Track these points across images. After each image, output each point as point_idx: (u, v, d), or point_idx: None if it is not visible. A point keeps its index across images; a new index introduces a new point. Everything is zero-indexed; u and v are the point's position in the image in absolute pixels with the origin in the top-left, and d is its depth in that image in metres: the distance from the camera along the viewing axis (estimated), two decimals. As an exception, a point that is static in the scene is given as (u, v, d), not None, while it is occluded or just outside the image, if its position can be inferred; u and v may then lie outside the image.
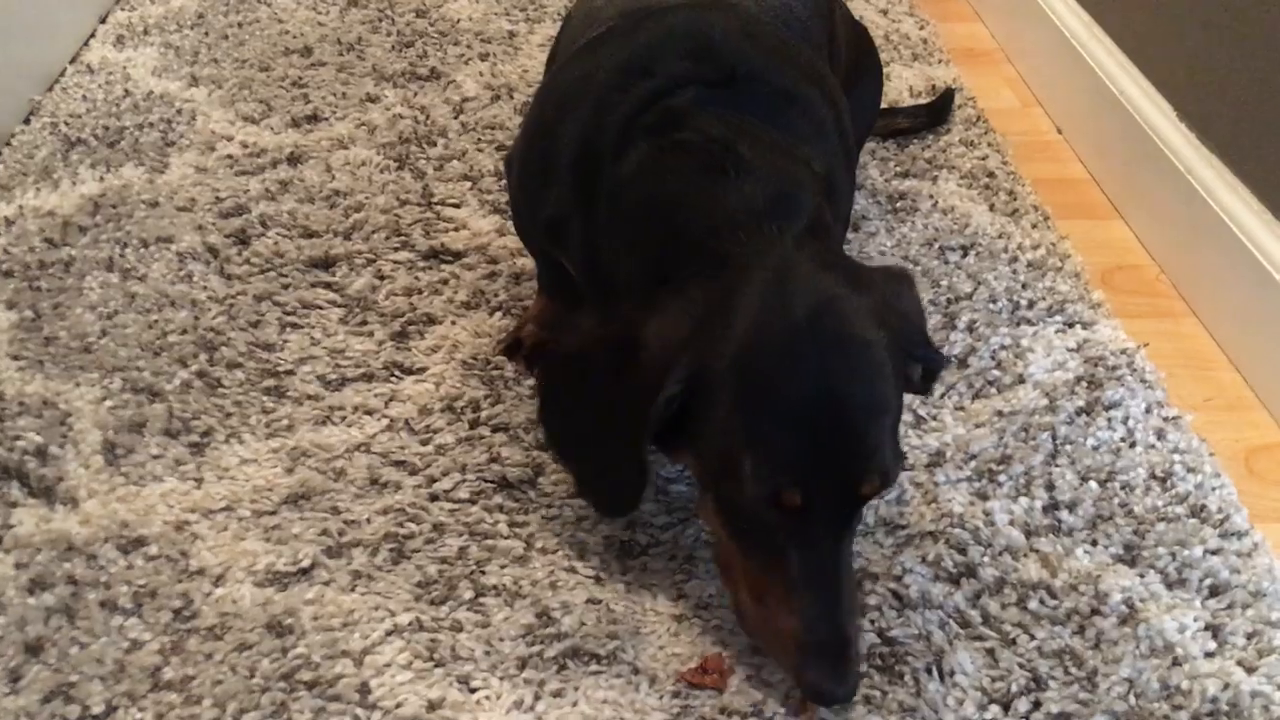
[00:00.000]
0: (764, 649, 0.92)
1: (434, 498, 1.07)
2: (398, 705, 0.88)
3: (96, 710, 0.87)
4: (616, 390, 0.90)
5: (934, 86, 1.79)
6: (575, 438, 0.97)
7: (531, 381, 1.20)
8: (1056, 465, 1.09)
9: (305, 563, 0.99)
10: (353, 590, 0.97)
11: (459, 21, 1.96)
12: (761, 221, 0.91)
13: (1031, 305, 1.31)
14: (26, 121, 1.62)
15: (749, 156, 0.95)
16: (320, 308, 1.29)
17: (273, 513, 1.04)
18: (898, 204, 1.50)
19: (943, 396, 1.18)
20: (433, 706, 0.88)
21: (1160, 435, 1.13)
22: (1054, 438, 1.12)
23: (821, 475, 0.83)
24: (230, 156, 1.55)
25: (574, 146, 1.02)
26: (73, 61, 1.78)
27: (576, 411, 0.96)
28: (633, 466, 0.90)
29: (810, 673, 0.85)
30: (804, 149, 1.00)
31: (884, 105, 1.64)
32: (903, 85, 1.79)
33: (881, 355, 0.86)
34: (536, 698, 0.90)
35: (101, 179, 1.49)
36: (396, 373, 1.21)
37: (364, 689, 0.89)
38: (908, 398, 1.17)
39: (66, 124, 1.60)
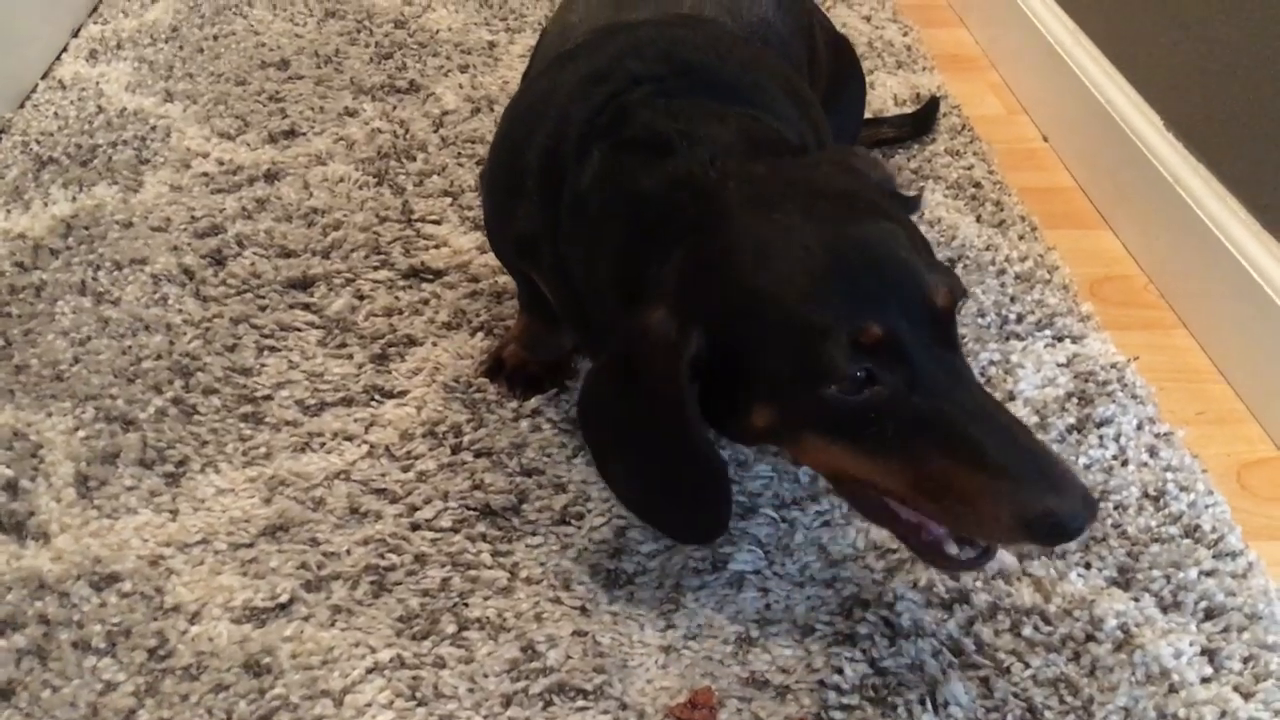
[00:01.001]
0: (969, 531, 0.80)
1: (415, 527, 1.05)
2: (379, 747, 0.86)
3: (69, 756, 0.85)
4: (643, 395, 0.85)
5: (918, 94, 1.77)
6: (641, 477, 0.92)
7: (514, 404, 1.18)
8: (1048, 485, 1.08)
9: (283, 598, 0.97)
10: (332, 626, 0.95)
11: (438, 32, 1.93)
12: (711, 168, 0.90)
13: (1020, 319, 1.29)
14: (-3, 140, 1.59)
15: (696, 127, 0.94)
16: (298, 329, 1.27)
17: (250, 545, 1.02)
18: (884, 216, 1.48)
19: (932, 415, 1.16)
20: (415, 747, 0.86)
21: (1152, 452, 1.12)
22: (1045, 457, 1.11)
23: (886, 299, 0.78)
24: (206, 174, 1.52)
25: (538, 159, 1.01)
26: (44, 77, 1.75)
27: (627, 450, 0.91)
28: (702, 464, 0.85)
29: (1046, 499, 0.72)
30: (768, 118, 0.99)
31: (868, 115, 1.63)
32: (887, 94, 1.78)
33: (873, 194, 0.86)
34: (522, 736, 0.88)
35: (74, 199, 1.46)
36: (377, 396, 1.19)
37: (344, 730, 0.87)
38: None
39: (38, 142, 1.57)
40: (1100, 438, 1.13)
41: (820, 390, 0.78)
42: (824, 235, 0.81)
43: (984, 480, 0.74)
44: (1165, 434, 1.14)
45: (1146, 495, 1.07)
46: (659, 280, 0.87)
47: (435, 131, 1.64)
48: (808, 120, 1.09)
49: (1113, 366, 1.23)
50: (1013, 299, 1.33)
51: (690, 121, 0.95)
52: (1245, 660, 0.93)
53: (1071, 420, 1.15)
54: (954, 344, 0.82)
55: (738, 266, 0.82)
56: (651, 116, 0.95)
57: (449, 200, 1.49)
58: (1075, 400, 1.18)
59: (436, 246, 1.41)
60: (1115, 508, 1.06)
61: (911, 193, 0.90)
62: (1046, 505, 0.72)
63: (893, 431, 0.78)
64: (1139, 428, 1.15)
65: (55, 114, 1.64)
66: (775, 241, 0.82)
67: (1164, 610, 0.97)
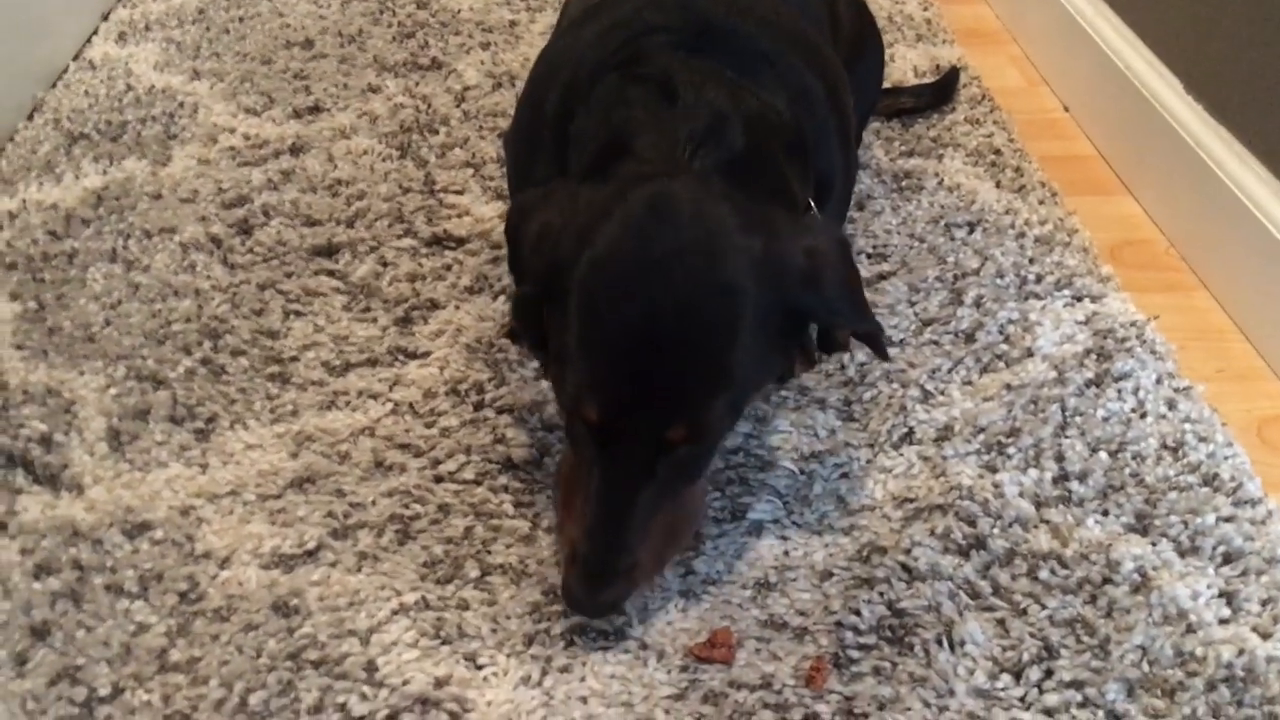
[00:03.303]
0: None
1: (439, 479, 1.06)
2: (404, 682, 0.87)
3: (103, 692, 0.87)
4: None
5: (938, 66, 1.78)
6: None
7: (535, 364, 1.19)
8: (1066, 437, 1.08)
9: (311, 545, 0.99)
10: (359, 571, 0.97)
11: (459, 12, 1.95)
12: (681, 143, 0.92)
13: (1039, 280, 1.30)
14: (30, 118, 1.62)
15: (700, 89, 0.96)
16: (324, 295, 1.29)
17: (278, 496, 1.04)
18: (903, 183, 1.49)
19: (950, 371, 1.17)
20: (439, 683, 0.88)
21: (1171, 405, 1.12)
22: (1063, 410, 1.11)
23: (624, 403, 0.84)
24: (232, 148, 1.55)
25: (555, 108, 1.03)
26: (75, 59, 1.78)
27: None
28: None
29: (568, 577, 0.88)
30: (769, 97, 1.00)
31: (888, 85, 1.63)
32: (907, 66, 1.78)
33: (737, 305, 0.84)
34: (544, 673, 0.89)
35: (104, 172, 1.49)
36: (400, 357, 1.21)
37: (370, 667, 0.89)
38: (916, 372, 1.16)
39: (69, 119, 1.60)
40: (1119, 391, 1.13)
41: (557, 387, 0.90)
42: (645, 314, 0.83)
43: (571, 535, 0.89)
44: (1184, 388, 1.15)
45: (1165, 446, 1.08)
46: (556, 191, 0.93)
47: (457, 106, 1.66)
48: (825, 84, 1.10)
49: (1132, 324, 1.23)
50: (1031, 260, 1.33)
51: (693, 77, 0.96)
52: (1264, 603, 0.93)
53: (1090, 375, 1.15)
54: (661, 468, 0.87)
55: (586, 263, 0.86)
56: (668, 62, 0.96)
57: (471, 171, 1.51)
58: (1094, 356, 1.18)
59: (459, 215, 1.42)
60: (1133, 458, 1.06)
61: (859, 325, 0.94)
62: (569, 583, 0.89)
63: (578, 454, 0.90)
64: (1158, 382, 1.15)
65: (86, 92, 1.67)
66: (614, 276, 0.85)
67: (1181, 555, 0.97)
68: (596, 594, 0.87)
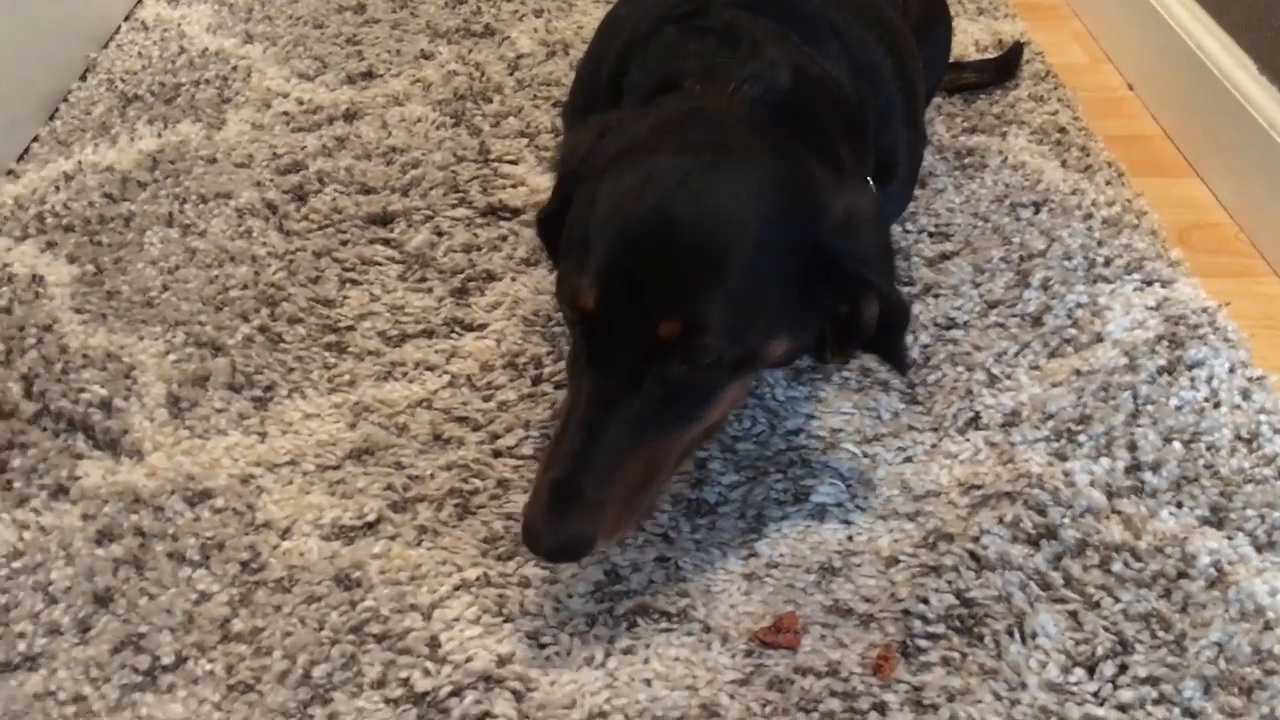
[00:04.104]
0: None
1: (497, 454, 1.05)
2: (468, 659, 0.87)
3: (166, 661, 0.87)
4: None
5: (1000, 41, 1.74)
6: None
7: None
8: (1138, 425, 1.06)
9: (371, 517, 0.98)
10: (419, 545, 0.96)
11: (512, -22, 1.92)
12: (734, 85, 0.92)
13: (1108, 263, 1.27)
14: (83, 78, 1.61)
15: (762, 44, 0.95)
16: (379, 264, 1.28)
17: (336, 467, 1.03)
18: (966, 160, 1.46)
19: (1017, 355, 1.15)
20: (503, 661, 0.87)
21: (1245, 395, 1.09)
22: (1135, 397, 1.09)
23: (616, 289, 0.82)
24: (286, 113, 1.54)
25: (611, 67, 1.02)
26: (127, 19, 1.77)
27: None
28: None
29: (530, 508, 0.83)
30: (832, 68, 0.99)
31: (950, 60, 1.60)
32: (968, 40, 1.74)
33: (750, 213, 0.83)
34: (607, 655, 0.88)
35: (159, 135, 1.48)
36: (457, 329, 1.20)
37: (433, 642, 0.88)
38: (981, 355, 1.14)
39: (123, 80, 1.59)
40: (1191, 380, 1.11)
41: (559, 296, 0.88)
42: (654, 208, 0.82)
43: (546, 457, 0.85)
44: (1258, 378, 1.12)
45: (1239, 437, 1.05)
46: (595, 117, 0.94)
47: (511, 74, 1.64)
48: (894, 60, 1.07)
49: (1203, 311, 1.20)
50: (1100, 243, 1.30)
51: (757, 33, 0.95)
52: (1343, 601, 0.91)
53: (1162, 362, 1.13)
54: (648, 374, 0.83)
55: (603, 165, 0.87)
56: (731, 17, 0.95)
57: (525, 141, 1.49)
58: (1165, 343, 1.15)
59: (514, 185, 1.41)
60: (1207, 448, 1.04)
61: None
62: (528, 514, 0.83)
63: (572, 371, 0.88)
64: (1231, 371, 1.12)
65: (139, 54, 1.66)
66: (628, 172, 0.85)
67: (1258, 549, 0.95)
68: (557, 524, 0.81)
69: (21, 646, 0.87)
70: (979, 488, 1.01)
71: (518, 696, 0.85)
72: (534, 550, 0.83)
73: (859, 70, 1.03)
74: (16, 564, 0.93)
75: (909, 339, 1.17)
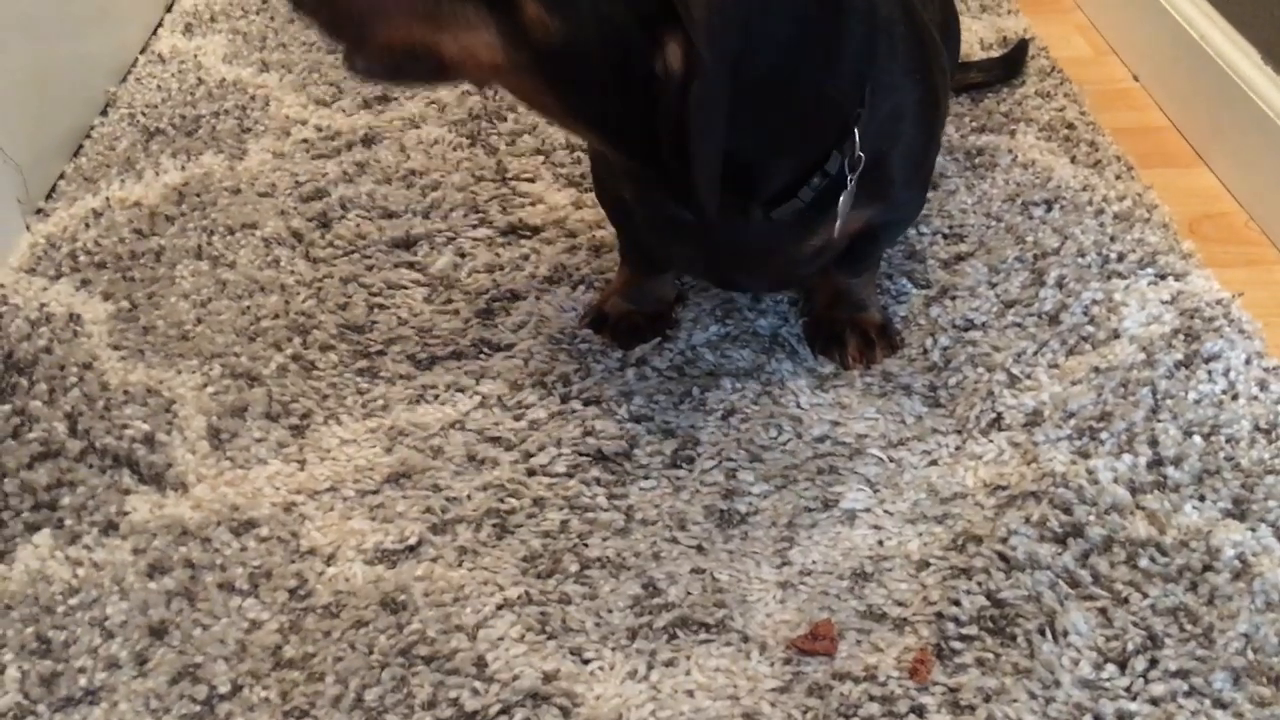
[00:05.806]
0: None
1: (531, 472, 1.08)
2: (515, 677, 0.89)
3: (223, 690, 0.90)
4: None
5: (1004, 38, 1.76)
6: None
7: (619, 354, 1.20)
8: (1159, 420, 1.08)
9: (412, 540, 1.01)
10: (460, 566, 0.99)
11: (519, -6, 1.94)
12: None
13: (1121, 258, 1.28)
14: (104, 113, 1.64)
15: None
16: (405, 287, 1.31)
17: (376, 492, 1.06)
18: (976, 160, 1.48)
19: (1036, 354, 1.17)
20: (549, 678, 0.89)
21: (1263, 386, 1.11)
22: (1154, 392, 1.11)
23: None
24: (306, 140, 1.56)
25: None
26: (143, 51, 1.80)
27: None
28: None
29: None
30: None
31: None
32: (972, 38, 1.76)
33: None
34: (649, 668, 0.91)
35: (183, 168, 1.51)
36: (485, 349, 1.22)
37: (480, 662, 0.91)
38: (1001, 355, 1.16)
39: (144, 114, 1.62)
40: (1209, 373, 1.13)
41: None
42: None
43: None
44: (1275, 368, 1.14)
45: (1258, 429, 1.07)
46: None
47: (523, 91, 1.66)
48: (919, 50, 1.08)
49: (1218, 303, 1.22)
50: (1112, 238, 1.32)
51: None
52: (1367, 588, 0.93)
53: (1179, 356, 1.15)
54: None
55: None
56: None
57: (541, 159, 1.52)
58: (1182, 337, 1.17)
59: (533, 204, 1.43)
60: (1228, 441, 1.06)
61: None
62: None
63: None
64: (1248, 362, 1.14)
65: (158, 86, 1.69)
66: None
67: (1282, 540, 0.97)
68: None
69: (83, 681, 0.90)
70: (1004, 488, 1.04)
71: (564, 712, 0.87)
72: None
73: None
74: (73, 600, 0.96)
75: (929, 341, 1.19)
